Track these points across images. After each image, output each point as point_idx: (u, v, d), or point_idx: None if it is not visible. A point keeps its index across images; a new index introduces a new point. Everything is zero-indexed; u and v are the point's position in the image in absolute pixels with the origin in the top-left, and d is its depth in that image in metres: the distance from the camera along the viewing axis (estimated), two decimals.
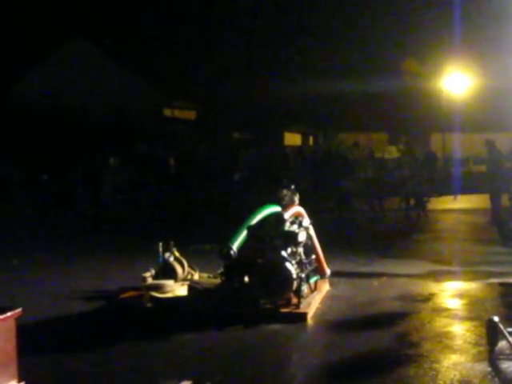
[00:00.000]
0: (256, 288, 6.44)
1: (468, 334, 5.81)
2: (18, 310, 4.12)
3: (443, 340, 5.64)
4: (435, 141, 32.83)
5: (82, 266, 9.66)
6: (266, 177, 17.89)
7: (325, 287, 7.58)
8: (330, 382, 4.89)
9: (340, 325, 6.24)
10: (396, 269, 9.06)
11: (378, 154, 20.75)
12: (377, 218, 15.93)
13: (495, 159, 13.79)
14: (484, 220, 14.37)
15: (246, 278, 6.65)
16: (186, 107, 29.77)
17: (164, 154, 21.57)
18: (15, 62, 25.59)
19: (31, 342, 5.12)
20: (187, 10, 31.30)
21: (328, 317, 6.50)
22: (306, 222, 7.27)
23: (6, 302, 5.02)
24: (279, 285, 6.36)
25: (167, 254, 7.39)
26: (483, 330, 5.50)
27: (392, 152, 26.37)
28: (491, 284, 7.98)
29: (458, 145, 28.42)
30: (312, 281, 7.01)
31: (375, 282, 8.16)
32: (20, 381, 4.15)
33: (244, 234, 6.65)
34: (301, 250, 6.82)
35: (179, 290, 7.08)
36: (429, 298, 7.28)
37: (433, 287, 7.85)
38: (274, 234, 6.72)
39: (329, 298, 7.27)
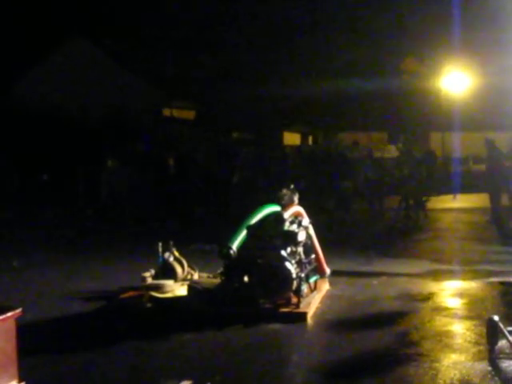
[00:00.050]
0: (256, 288, 6.44)
1: (468, 333, 5.82)
2: (18, 310, 4.12)
3: (443, 339, 5.64)
4: (435, 140, 32.85)
5: (82, 266, 9.66)
6: (266, 177, 17.87)
7: (324, 287, 7.58)
8: (330, 381, 4.89)
9: (340, 324, 6.24)
10: (396, 268, 9.07)
11: (377, 154, 20.72)
12: (376, 217, 15.93)
13: (495, 158, 13.79)
14: (484, 219, 14.38)
15: (246, 278, 6.64)
16: (185, 107, 29.78)
17: (163, 153, 21.54)
18: (15, 61, 25.53)
19: (31, 342, 5.12)
20: (187, 9, 31.32)
21: (328, 316, 6.50)
22: (306, 221, 7.26)
23: (6, 302, 5.01)
24: (279, 284, 6.36)
25: (167, 254, 7.38)
26: (483, 329, 5.50)
27: (391, 151, 26.34)
28: (491, 283, 7.99)
29: (457, 144, 28.45)
30: (312, 280, 7.01)
31: (375, 282, 8.16)
32: (20, 381, 4.15)
33: (243, 233, 6.65)
34: (300, 249, 6.81)
35: (179, 289, 7.08)
36: (429, 297, 7.28)
37: (432, 286, 7.85)
38: (274, 234, 6.72)
39: (329, 297, 7.27)
